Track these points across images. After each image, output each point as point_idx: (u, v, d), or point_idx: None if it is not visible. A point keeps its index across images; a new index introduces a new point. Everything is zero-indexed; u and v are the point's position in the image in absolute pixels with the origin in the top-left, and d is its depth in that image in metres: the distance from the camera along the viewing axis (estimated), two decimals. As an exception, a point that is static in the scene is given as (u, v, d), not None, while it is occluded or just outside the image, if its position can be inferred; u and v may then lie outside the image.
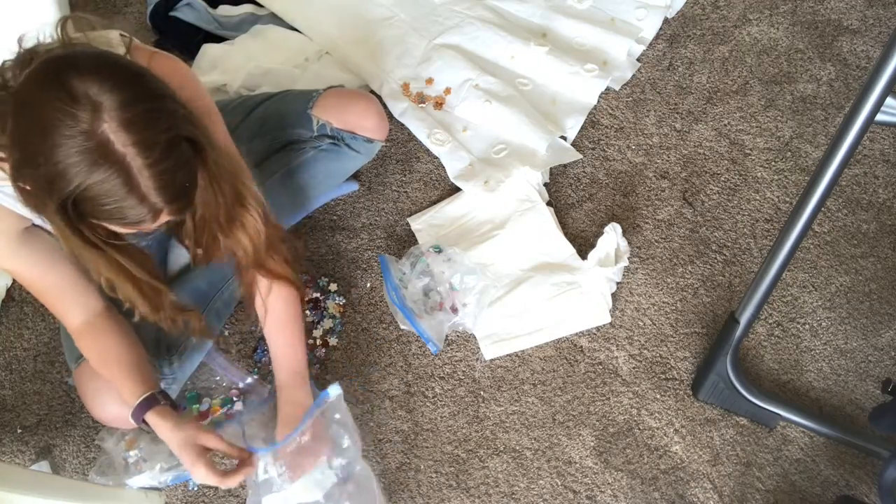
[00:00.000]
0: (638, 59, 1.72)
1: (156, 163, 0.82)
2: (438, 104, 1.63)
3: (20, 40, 0.92)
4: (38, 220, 1.00)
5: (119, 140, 0.80)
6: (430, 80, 1.65)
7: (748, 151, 1.61)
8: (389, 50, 1.70)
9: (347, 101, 1.40)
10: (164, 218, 0.88)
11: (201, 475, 1.06)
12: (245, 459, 1.09)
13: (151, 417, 1.07)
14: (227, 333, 1.42)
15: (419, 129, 1.59)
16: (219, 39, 1.72)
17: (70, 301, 1.08)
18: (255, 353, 1.39)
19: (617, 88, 1.66)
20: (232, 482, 1.07)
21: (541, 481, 1.29)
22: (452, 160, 1.56)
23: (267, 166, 1.38)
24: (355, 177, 1.56)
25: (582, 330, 1.41)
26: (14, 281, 1.48)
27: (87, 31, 0.95)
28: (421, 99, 1.63)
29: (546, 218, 1.50)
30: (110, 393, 1.13)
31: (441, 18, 1.75)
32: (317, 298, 1.44)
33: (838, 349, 1.40)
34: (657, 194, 1.56)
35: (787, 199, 1.55)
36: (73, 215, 0.84)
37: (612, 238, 1.42)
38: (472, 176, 1.53)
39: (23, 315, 1.46)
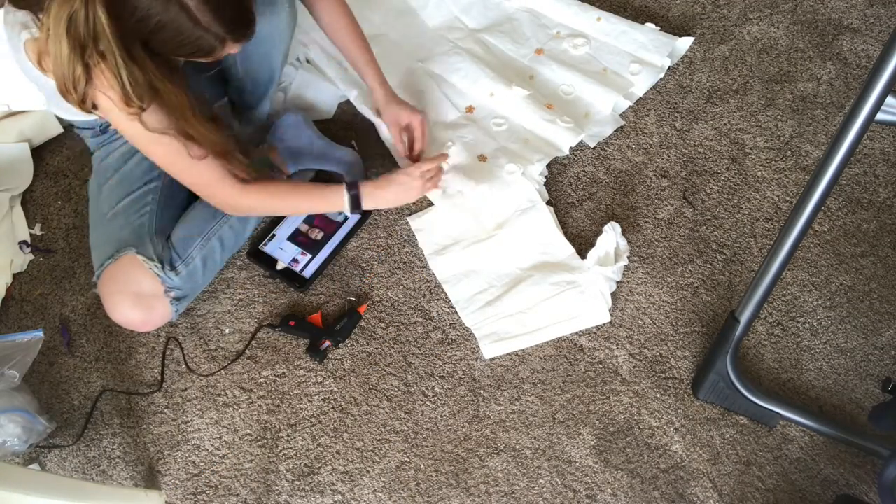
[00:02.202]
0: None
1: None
2: None
3: None
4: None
5: None
6: None
7: (748, 150, 1.61)
8: None
9: None
10: (232, 47, 1.09)
11: (424, 176, 1.42)
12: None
13: (364, 189, 1.37)
14: (227, 332, 1.42)
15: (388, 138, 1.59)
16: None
17: (220, 162, 1.24)
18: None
19: (592, 145, 1.61)
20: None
21: (541, 480, 1.29)
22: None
23: None
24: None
25: (582, 329, 1.41)
26: (14, 280, 1.48)
27: None
28: None
29: (546, 217, 1.50)
30: (125, 297, 1.30)
31: (431, 44, 1.74)
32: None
33: (838, 348, 1.40)
34: (657, 193, 1.56)
35: (788, 199, 1.55)
36: (154, 50, 1.04)
37: (611, 237, 1.42)
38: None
39: (23, 314, 1.46)
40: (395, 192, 1.41)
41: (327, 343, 1.38)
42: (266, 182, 1.34)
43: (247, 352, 1.40)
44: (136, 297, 1.31)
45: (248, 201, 1.31)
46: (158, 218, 1.36)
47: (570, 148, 1.58)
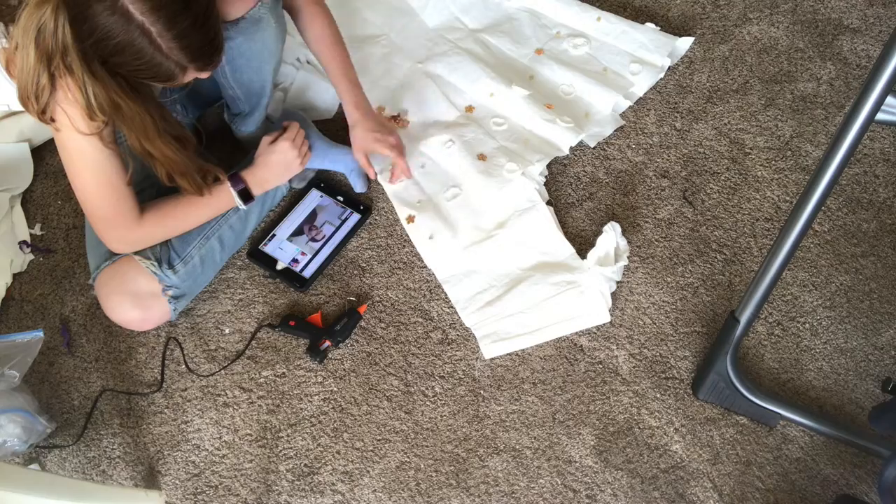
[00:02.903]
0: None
1: (171, 26, 0.97)
2: (402, 124, 1.63)
3: None
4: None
5: (136, 9, 0.95)
6: (401, 115, 1.65)
7: (748, 150, 1.61)
8: (370, 69, 1.69)
9: None
10: (192, 75, 1.06)
11: (296, 145, 1.40)
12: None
13: (247, 178, 1.34)
14: (227, 332, 1.42)
15: (376, 161, 1.57)
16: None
17: (132, 199, 1.23)
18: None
19: (592, 145, 1.61)
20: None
21: (541, 480, 1.29)
22: (400, 196, 1.55)
23: None
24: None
25: (582, 329, 1.41)
26: (14, 280, 1.48)
27: None
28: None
29: (546, 217, 1.50)
30: (122, 297, 1.31)
31: (430, 44, 1.74)
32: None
33: (838, 348, 1.40)
34: (657, 193, 1.56)
35: (788, 198, 1.55)
36: (117, 70, 1.03)
37: (611, 237, 1.42)
38: (418, 217, 1.52)
39: (23, 314, 1.46)
40: (278, 171, 1.39)
41: (327, 343, 1.38)
42: (157, 205, 1.29)
43: (247, 352, 1.40)
44: (134, 297, 1.32)
45: (141, 231, 1.27)
46: None
47: (570, 148, 1.58)
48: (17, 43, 1.02)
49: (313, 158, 1.52)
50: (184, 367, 1.39)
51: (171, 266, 1.33)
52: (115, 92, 1.06)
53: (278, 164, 1.38)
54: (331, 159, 1.53)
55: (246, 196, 1.35)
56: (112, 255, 1.31)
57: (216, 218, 1.40)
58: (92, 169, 1.16)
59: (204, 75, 1.09)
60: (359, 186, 1.55)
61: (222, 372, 1.38)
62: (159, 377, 1.38)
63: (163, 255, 1.33)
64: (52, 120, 1.09)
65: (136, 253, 1.30)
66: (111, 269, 1.31)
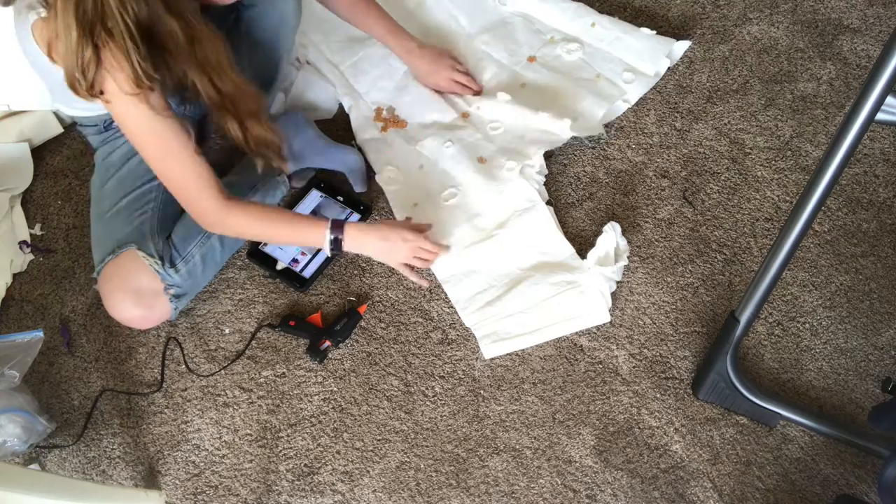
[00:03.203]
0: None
1: None
2: (400, 124, 1.62)
3: None
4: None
5: None
6: (397, 116, 1.65)
7: (748, 150, 1.61)
8: (368, 70, 1.69)
9: None
10: None
11: (416, 251, 1.37)
12: None
13: (350, 231, 1.32)
14: (227, 332, 1.42)
15: (376, 162, 1.58)
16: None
17: (210, 174, 1.22)
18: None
19: (583, 136, 1.60)
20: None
21: (541, 480, 1.29)
22: (398, 199, 1.55)
23: None
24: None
25: (582, 329, 1.41)
26: (14, 280, 1.48)
27: None
28: (386, 125, 1.62)
29: (546, 217, 1.50)
30: (124, 295, 1.31)
31: None
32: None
33: (838, 348, 1.40)
34: (657, 193, 1.56)
35: (788, 198, 1.55)
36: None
37: (611, 237, 1.42)
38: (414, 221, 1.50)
39: (23, 314, 1.46)
40: (380, 248, 1.36)
41: (327, 343, 1.38)
42: (251, 204, 1.32)
43: (247, 352, 1.40)
44: (136, 295, 1.32)
45: (232, 220, 1.27)
46: (160, 216, 1.36)
47: (571, 146, 1.58)
48: (56, 16, 1.01)
49: (313, 158, 1.52)
50: (184, 367, 1.39)
51: (172, 265, 1.34)
52: (190, 19, 1.07)
53: (385, 242, 1.35)
54: (331, 159, 1.53)
55: (337, 246, 1.33)
56: (115, 250, 1.31)
57: None
58: (156, 134, 1.16)
59: None
60: (359, 186, 1.55)
61: (222, 372, 1.39)
62: (159, 377, 1.38)
63: (165, 253, 1.33)
64: (102, 93, 1.09)
65: (140, 249, 1.31)
66: (114, 265, 1.31)
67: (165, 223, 1.37)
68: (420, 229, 1.41)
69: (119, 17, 1.00)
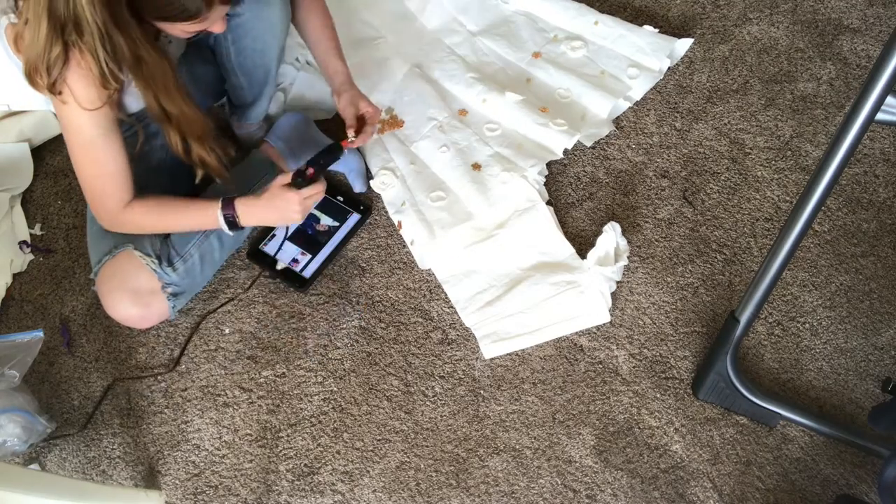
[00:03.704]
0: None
1: None
2: (399, 124, 1.62)
3: None
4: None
5: None
6: (395, 117, 1.64)
7: (748, 150, 1.61)
8: (368, 73, 1.69)
9: None
10: (218, 10, 1.10)
11: (304, 203, 1.29)
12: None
13: (240, 208, 1.28)
14: (227, 332, 1.42)
15: (372, 165, 1.58)
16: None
17: (122, 183, 1.23)
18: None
19: (589, 144, 1.60)
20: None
21: (541, 480, 1.29)
22: (390, 199, 1.55)
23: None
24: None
25: (582, 329, 1.41)
26: (14, 280, 1.48)
27: None
28: (383, 127, 1.62)
29: (546, 217, 1.50)
30: (122, 294, 1.31)
31: (428, 48, 1.74)
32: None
33: (838, 348, 1.40)
34: (657, 193, 1.56)
35: (787, 198, 1.55)
36: (140, 14, 1.06)
37: (611, 237, 1.42)
38: (404, 223, 1.51)
39: (23, 314, 1.46)
40: (273, 216, 1.32)
41: (311, 171, 1.31)
42: (148, 198, 1.28)
43: (246, 352, 1.40)
44: (134, 294, 1.32)
45: (125, 217, 1.26)
46: None
47: (567, 150, 1.58)
48: (27, 17, 1.02)
49: (311, 156, 1.52)
50: (183, 367, 1.39)
51: (170, 264, 1.34)
52: (138, 40, 1.07)
53: (278, 209, 1.30)
54: None
55: (232, 224, 1.30)
56: (112, 250, 1.32)
57: None
58: (86, 146, 1.18)
59: (218, 26, 1.14)
60: (358, 186, 1.55)
61: (222, 371, 1.38)
62: (177, 356, 1.38)
63: (163, 252, 1.34)
64: (60, 93, 1.10)
65: (137, 249, 1.31)
66: (112, 265, 1.32)
67: None
68: (313, 186, 1.34)
69: (90, 18, 1.01)
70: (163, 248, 1.34)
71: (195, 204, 1.31)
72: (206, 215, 1.30)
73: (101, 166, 1.20)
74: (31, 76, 1.08)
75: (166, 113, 1.19)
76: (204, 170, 1.30)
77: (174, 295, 1.36)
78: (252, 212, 1.30)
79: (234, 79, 1.43)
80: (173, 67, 1.16)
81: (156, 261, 1.32)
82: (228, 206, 1.28)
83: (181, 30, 1.12)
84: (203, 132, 1.25)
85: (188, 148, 1.25)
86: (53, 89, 1.08)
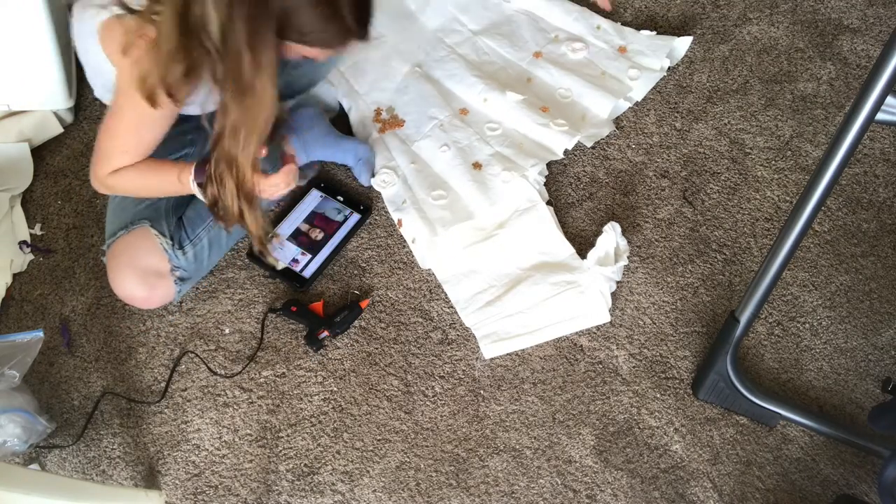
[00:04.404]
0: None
1: None
2: (399, 124, 1.62)
3: None
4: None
5: None
6: (396, 116, 1.64)
7: (748, 150, 1.61)
8: (367, 71, 1.69)
9: None
10: (353, 43, 1.11)
11: (281, 181, 1.26)
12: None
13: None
14: (227, 332, 1.42)
15: (375, 163, 1.58)
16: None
17: (131, 161, 1.22)
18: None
19: (589, 145, 1.60)
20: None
21: (541, 480, 1.29)
22: (390, 198, 1.55)
23: None
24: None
25: (582, 329, 1.41)
26: (14, 280, 1.48)
27: None
28: (384, 126, 1.62)
29: (546, 217, 1.50)
30: (131, 272, 1.31)
31: (429, 48, 1.73)
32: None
33: (838, 348, 1.40)
34: (657, 193, 1.56)
35: (788, 198, 1.55)
36: (284, 31, 1.03)
37: (611, 237, 1.42)
38: (405, 221, 1.51)
39: (23, 314, 1.46)
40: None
41: (325, 333, 1.38)
42: (137, 163, 1.25)
43: (246, 351, 1.40)
44: (142, 274, 1.32)
45: (112, 180, 1.25)
46: (177, 196, 1.37)
47: (567, 150, 1.58)
48: (145, 35, 1.03)
49: (324, 151, 1.52)
50: (183, 367, 1.39)
51: (181, 246, 1.35)
52: (265, 65, 1.04)
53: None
54: (342, 149, 1.54)
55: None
56: (129, 225, 1.32)
57: None
58: (132, 126, 1.17)
59: (354, 46, 1.12)
60: (364, 179, 1.55)
61: (222, 371, 1.38)
62: (163, 387, 1.38)
63: (175, 234, 1.34)
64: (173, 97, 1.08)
65: (154, 227, 1.32)
66: (125, 241, 1.32)
67: (179, 204, 1.39)
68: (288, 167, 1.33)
69: (226, 31, 0.99)
70: (176, 229, 1.35)
71: (168, 167, 1.27)
72: (178, 181, 1.25)
73: (128, 143, 1.20)
74: (147, 90, 1.06)
75: (234, 161, 1.13)
76: (244, 227, 1.25)
77: (181, 279, 1.36)
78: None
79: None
80: (271, 116, 1.11)
81: (169, 241, 1.33)
82: (200, 174, 1.23)
83: (305, 53, 1.10)
84: (253, 197, 1.19)
85: (236, 207, 1.20)
86: (172, 100, 1.08)
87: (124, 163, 1.23)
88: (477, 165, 1.56)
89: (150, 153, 1.24)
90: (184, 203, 1.39)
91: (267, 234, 1.29)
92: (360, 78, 1.68)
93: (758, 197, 1.56)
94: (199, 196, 1.26)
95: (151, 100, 1.08)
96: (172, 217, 1.36)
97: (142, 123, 1.18)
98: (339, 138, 1.54)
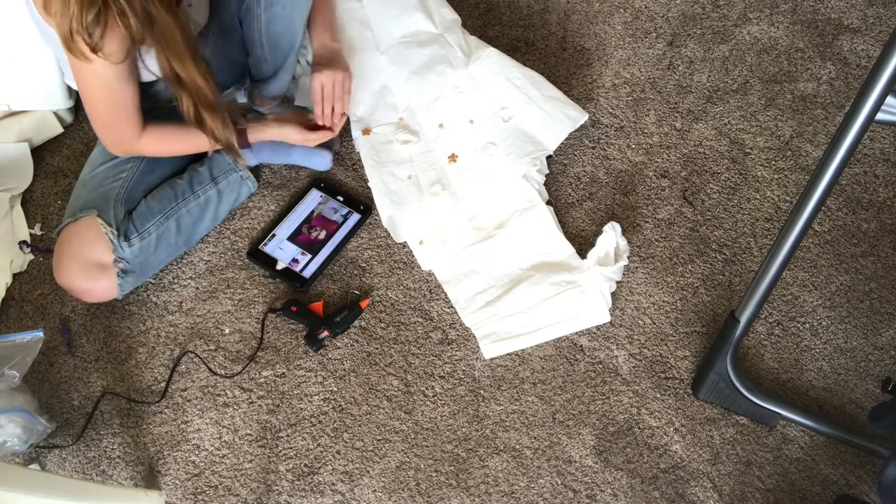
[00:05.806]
0: (638, 58, 1.69)
1: None
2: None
3: None
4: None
5: None
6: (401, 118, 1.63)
7: (748, 150, 1.61)
8: (367, 75, 1.65)
9: None
10: None
11: (311, 137, 1.43)
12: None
13: (252, 133, 1.41)
14: (227, 332, 1.42)
15: (367, 158, 1.59)
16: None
17: (137, 114, 1.29)
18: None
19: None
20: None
21: (541, 480, 1.29)
22: (384, 195, 1.54)
23: None
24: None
25: (582, 329, 1.41)
26: (14, 280, 1.48)
27: None
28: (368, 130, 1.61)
29: (546, 217, 1.50)
30: (73, 263, 1.33)
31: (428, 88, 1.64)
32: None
33: (838, 348, 1.40)
34: (657, 193, 1.56)
35: (788, 198, 1.55)
36: None
37: (611, 237, 1.42)
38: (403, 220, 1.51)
39: (23, 314, 1.46)
40: (278, 132, 1.43)
41: (325, 333, 1.38)
42: (161, 125, 1.34)
43: (246, 351, 1.40)
44: (85, 265, 1.34)
45: (143, 143, 1.32)
46: (130, 188, 1.40)
47: (566, 149, 1.58)
48: None
49: (272, 155, 1.56)
50: (183, 367, 1.39)
51: (127, 238, 1.36)
52: (154, 3, 1.08)
53: (283, 129, 1.42)
54: (290, 155, 1.56)
55: (243, 139, 1.39)
56: (77, 213, 1.34)
57: (178, 197, 1.43)
58: (106, 87, 1.21)
59: None
60: (322, 164, 1.57)
61: (222, 371, 1.39)
62: (163, 386, 1.38)
63: (123, 225, 1.36)
64: (99, 51, 1.11)
65: (101, 216, 1.34)
66: (70, 231, 1.34)
67: (134, 196, 1.41)
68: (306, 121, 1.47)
69: None
70: (124, 221, 1.36)
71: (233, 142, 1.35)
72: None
73: (118, 99, 1.24)
74: (68, 41, 1.08)
75: (178, 77, 1.19)
76: (214, 140, 1.30)
77: (124, 272, 1.37)
78: (263, 130, 1.42)
79: (259, 50, 1.43)
80: (183, 29, 1.16)
81: (115, 232, 1.34)
82: (242, 134, 1.36)
83: None
84: (215, 102, 1.25)
85: (200, 117, 1.26)
86: (95, 51, 1.10)
87: (135, 121, 1.28)
88: (452, 157, 1.56)
89: (137, 108, 1.27)
90: (136, 197, 1.41)
91: (231, 141, 1.32)
92: (359, 84, 1.65)
93: (758, 197, 1.56)
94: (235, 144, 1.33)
95: (82, 54, 1.10)
96: (122, 207, 1.37)
97: (104, 85, 1.20)
98: (291, 148, 1.55)
